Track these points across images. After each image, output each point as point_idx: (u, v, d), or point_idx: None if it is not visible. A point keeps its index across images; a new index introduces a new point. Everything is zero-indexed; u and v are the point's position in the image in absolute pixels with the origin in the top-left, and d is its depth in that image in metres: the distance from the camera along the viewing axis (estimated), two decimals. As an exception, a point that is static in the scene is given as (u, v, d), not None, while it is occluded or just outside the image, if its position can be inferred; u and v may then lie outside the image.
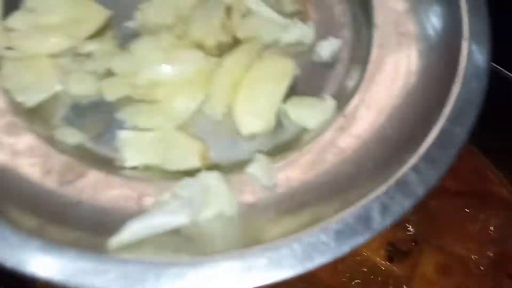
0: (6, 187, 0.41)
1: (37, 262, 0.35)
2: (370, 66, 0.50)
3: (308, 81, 0.51)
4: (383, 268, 0.77)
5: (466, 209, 0.89)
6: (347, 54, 0.53)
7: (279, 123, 0.49)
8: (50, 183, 0.42)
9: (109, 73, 0.48)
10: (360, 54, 0.52)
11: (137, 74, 0.46)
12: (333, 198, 0.42)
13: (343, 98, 0.49)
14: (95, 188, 0.42)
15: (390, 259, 0.78)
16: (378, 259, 0.78)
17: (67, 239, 0.37)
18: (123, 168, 0.44)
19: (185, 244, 0.39)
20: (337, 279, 0.75)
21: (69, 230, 0.39)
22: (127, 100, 0.47)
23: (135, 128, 0.45)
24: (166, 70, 0.45)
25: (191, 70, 0.46)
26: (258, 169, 0.43)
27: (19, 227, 0.36)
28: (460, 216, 0.88)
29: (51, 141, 0.44)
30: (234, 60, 0.46)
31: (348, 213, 0.38)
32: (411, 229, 0.84)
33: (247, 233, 0.40)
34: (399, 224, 0.85)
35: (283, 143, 0.48)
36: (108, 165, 0.44)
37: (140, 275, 0.34)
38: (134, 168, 0.44)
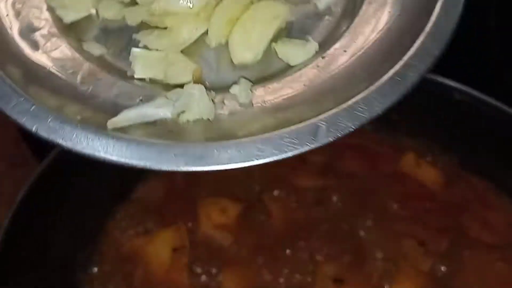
0: (41, 79, 0.53)
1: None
2: (357, 20, 0.57)
3: (299, 27, 0.60)
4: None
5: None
6: (341, 8, 0.60)
7: (267, 59, 0.57)
8: (74, 80, 0.53)
9: (133, 3, 0.58)
10: (351, 8, 0.59)
11: (153, 3, 0.56)
12: (295, 119, 0.50)
13: (327, 44, 0.57)
14: (109, 88, 0.53)
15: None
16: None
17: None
18: (133, 78, 0.55)
19: (168, 134, 0.49)
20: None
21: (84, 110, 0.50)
22: (145, 26, 0.58)
23: (146, 47, 0.56)
24: (176, 1, 0.55)
25: (198, 4, 0.56)
26: (238, 89, 0.52)
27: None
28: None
29: (80, 51, 0.56)
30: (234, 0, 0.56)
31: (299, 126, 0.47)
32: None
33: (221, 133, 0.50)
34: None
35: (267, 75, 0.56)
36: (122, 74, 0.55)
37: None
38: (141, 79, 0.55)
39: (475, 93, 1.05)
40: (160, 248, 0.97)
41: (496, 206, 1.06)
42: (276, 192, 1.06)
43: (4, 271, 0.82)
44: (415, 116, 1.16)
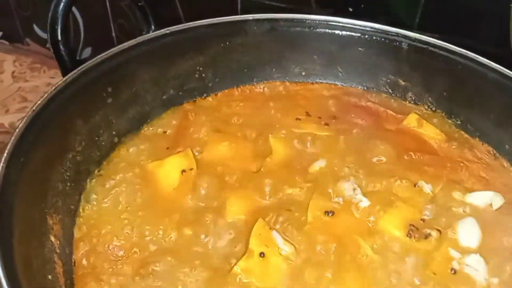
0: None
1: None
2: None
3: None
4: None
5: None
6: None
7: None
8: None
9: None
10: None
11: None
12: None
13: None
14: None
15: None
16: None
17: None
18: None
19: None
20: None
21: None
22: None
23: None
24: None
25: None
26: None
27: None
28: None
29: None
30: None
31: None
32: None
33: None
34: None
35: None
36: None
37: None
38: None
39: (480, 58, 1.12)
40: (170, 170, 1.04)
41: (493, 167, 1.12)
42: (280, 134, 1.14)
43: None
44: (421, 81, 1.24)
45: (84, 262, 0.89)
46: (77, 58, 1.27)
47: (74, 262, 0.88)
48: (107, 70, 1.05)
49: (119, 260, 0.89)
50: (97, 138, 1.07)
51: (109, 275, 0.87)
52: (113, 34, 1.79)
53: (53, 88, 0.95)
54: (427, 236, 0.92)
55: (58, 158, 0.95)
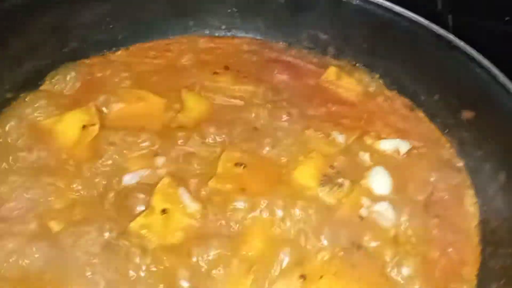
0: None
1: None
2: None
3: None
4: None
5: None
6: None
7: None
8: None
9: None
10: None
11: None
12: None
13: None
14: None
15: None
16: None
17: None
18: None
19: None
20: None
21: None
22: None
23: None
24: None
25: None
26: None
27: None
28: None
29: None
30: None
31: None
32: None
33: None
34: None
35: None
36: None
37: None
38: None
39: (396, 8, 1.10)
40: (69, 125, 0.96)
41: (409, 118, 1.11)
42: (194, 89, 1.08)
43: None
44: (341, 35, 1.22)
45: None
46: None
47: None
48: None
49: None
50: (-16, 93, 0.96)
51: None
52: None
53: None
54: (339, 186, 0.91)
55: None
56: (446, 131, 1.05)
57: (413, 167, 0.97)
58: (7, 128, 0.96)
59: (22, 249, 0.78)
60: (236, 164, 0.92)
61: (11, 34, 1.00)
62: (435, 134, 1.06)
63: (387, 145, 0.99)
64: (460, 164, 0.99)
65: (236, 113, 1.05)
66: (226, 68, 1.16)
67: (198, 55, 1.21)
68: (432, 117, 1.09)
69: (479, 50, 0.98)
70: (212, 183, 0.89)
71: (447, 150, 1.02)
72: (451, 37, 1.02)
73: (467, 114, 1.00)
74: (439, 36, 1.04)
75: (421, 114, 1.11)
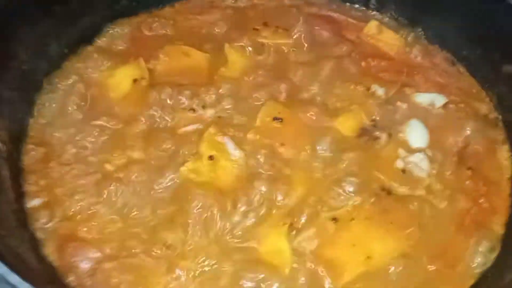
0: None
1: None
2: None
3: None
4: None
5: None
6: None
7: None
8: None
9: None
10: None
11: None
12: None
13: None
14: None
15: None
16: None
17: None
18: None
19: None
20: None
21: None
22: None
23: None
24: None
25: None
26: None
27: None
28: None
29: None
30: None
31: None
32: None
33: None
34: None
35: None
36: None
37: None
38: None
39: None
40: (121, 79, 1.04)
41: (450, 73, 1.12)
42: (236, 44, 1.12)
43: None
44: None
45: (34, 167, 0.90)
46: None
47: (23, 167, 0.90)
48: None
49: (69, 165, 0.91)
50: (45, 48, 1.05)
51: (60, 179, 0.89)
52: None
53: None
54: (376, 138, 0.95)
55: (1, 65, 0.94)
56: (486, 86, 1.06)
57: (450, 120, 0.99)
58: (66, 81, 1.04)
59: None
60: (274, 119, 0.97)
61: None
62: (474, 89, 1.07)
63: (424, 98, 1.01)
64: (497, 118, 1.00)
65: (276, 68, 1.09)
66: (265, 24, 1.19)
67: (240, 12, 1.24)
68: (472, 71, 1.09)
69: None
70: (250, 135, 0.95)
71: (486, 104, 1.04)
72: (495, -11, 1.01)
73: (508, 68, 1.00)
74: (484, -11, 1.03)
75: (462, 68, 1.12)
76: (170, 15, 1.22)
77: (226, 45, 1.11)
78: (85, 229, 0.83)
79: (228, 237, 0.84)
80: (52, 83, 1.04)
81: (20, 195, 0.85)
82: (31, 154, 0.91)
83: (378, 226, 0.83)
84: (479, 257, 0.81)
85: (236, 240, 0.83)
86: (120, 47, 1.14)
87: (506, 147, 0.96)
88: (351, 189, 0.87)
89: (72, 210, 0.85)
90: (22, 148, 0.92)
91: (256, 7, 1.27)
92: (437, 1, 1.14)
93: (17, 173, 0.88)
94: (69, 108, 1.00)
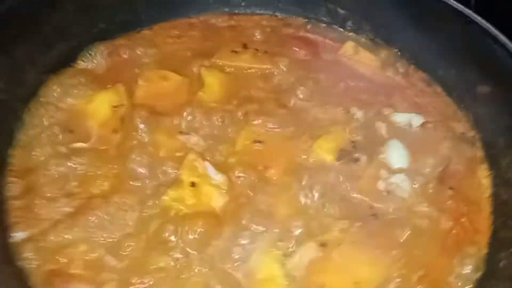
0: None
1: None
2: None
3: None
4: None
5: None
6: None
7: None
8: None
9: None
10: None
11: None
12: None
13: None
14: None
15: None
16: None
17: None
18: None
19: None
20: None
21: None
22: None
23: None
24: None
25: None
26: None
27: None
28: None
29: None
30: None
31: None
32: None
33: None
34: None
35: None
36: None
37: None
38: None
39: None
40: (99, 105, 1.02)
41: (426, 93, 1.14)
42: (214, 67, 1.12)
43: None
44: (359, 9, 1.23)
45: (17, 200, 0.88)
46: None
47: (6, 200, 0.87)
48: (21, 1, 0.99)
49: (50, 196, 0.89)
50: (21, 75, 1.03)
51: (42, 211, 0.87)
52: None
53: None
54: (356, 160, 0.95)
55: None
56: (462, 105, 1.08)
57: (428, 140, 1.01)
58: (43, 108, 1.02)
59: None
60: (255, 141, 0.97)
61: (41, 17, 1.04)
62: (451, 108, 1.09)
63: (402, 118, 1.03)
64: (475, 137, 1.03)
65: (255, 90, 1.10)
66: (245, 46, 1.20)
67: (219, 33, 1.25)
68: (449, 91, 1.12)
69: (501, 24, 1.00)
70: (232, 159, 0.95)
71: (463, 124, 1.06)
72: (468, 12, 1.04)
73: (483, 89, 1.02)
74: (456, 11, 1.05)
75: (438, 88, 1.14)
76: (149, 38, 1.22)
77: (202, 69, 1.11)
78: (71, 263, 0.81)
79: (220, 264, 0.83)
80: (30, 111, 1.02)
81: (4, 229, 0.82)
82: (12, 186, 0.89)
83: (365, 251, 0.83)
84: (463, 277, 0.82)
85: (228, 266, 0.82)
86: (99, 71, 1.12)
87: (484, 165, 0.98)
88: (337, 213, 0.87)
89: (56, 242, 0.82)
90: (3, 179, 0.90)
91: (235, 28, 1.28)
92: (411, 22, 1.16)
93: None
94: (48, 136, 0.98)
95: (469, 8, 1.05)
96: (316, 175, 0.93)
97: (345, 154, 0.96)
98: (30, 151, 0.95)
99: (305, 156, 0.97)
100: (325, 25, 1.28)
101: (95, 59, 1.14)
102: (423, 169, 0.95)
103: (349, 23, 1.26)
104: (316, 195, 0.89)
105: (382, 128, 1.03)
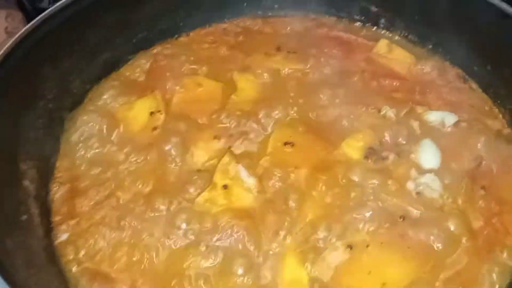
0: None
1: None
2: None
3: None
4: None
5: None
6: None
7: None
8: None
9: None
10: None
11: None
12: None
13: None
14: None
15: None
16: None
17: None
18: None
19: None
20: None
21: None
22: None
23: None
24: None
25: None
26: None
27: None
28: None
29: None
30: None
31: None
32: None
33: None
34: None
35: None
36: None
37: None
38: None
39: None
40: (138, 112, 1.08)
41: (462, 90, 1.12)
42: (247, 71, 1.15)
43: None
44: (392, 6, 1.23)
45: (61, 204, 0.95)
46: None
47: (51, 204, 0.94)
48: (70, 16, 1.06)
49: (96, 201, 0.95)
50: (68, 85, 1.10)
51: (86, 214, 0.93)
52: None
53: (15, 38, 0.97)
54: (384, 159, 0.95)
55: (28, 105, 1.00)
56: (498, 102, 1.06)
57: (462, 138, 0.99)
58: (88, 116, 1.09)
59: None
60: (285, 144, 0.99)
61: (88, 29, 1.11)
62: (487, 105, 1.07)
63: (435, 117, 1.02)
64: (510, 135, 1.00)
65: (287, 92, 1.11)
66: (278, 49, 1.22)
67: (252, 37, 1.28)
68: (484, 87, 1.09)
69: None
70: (263, 162, 0.97)
71: (499, 121, 1.04)
72: (504, 6, 1.01)
73: (519, 85, 1.00)
74: (491, 5, 1.03)
75: (473, 85, 1.12)
76: (185, 44, 1.26)
77: (235, 73, 1.14)
78: (113, 265, 0.86)
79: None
80: (75, 118, 1.09)
81: (49, 232, 0.90)
82: (58, 191, 0.96)
83: (394, 252, 0.83)
84: (494, 280, 0.81)
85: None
86: (139, 79, 1.18)
87: (519, 164, 0.96)
88: (365, 214, 0.88)
89: (97, 245, 0.88)
90: (50, 185, 0.97)
91: (268, 30, 1.30)
92: (445, 18, 1.14)
93: (46, 210, 0.93)
94: (92, 143, 1.05)
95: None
96: (344, 175, 0.94)
97: (373, 153, 0.96)
98: (74, 157, 1.02)
99: (334, 156, 0.97)
100: (358, 23, 1.29)
101: (135, 67, 1.20)
102: (455, 169, 0.93)
103: (382, 20, 1.25)
104: (344, 195, 0.91)
105: (414, 126, 1.02)
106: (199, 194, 0.93)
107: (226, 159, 0.97)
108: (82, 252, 0.87)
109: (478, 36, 1.09)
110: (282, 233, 0.87)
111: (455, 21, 1.13)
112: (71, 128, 1.07)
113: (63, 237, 0.89)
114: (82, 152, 1.03)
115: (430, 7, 1.16)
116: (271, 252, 0.86)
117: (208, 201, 0.92)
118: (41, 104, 1.02)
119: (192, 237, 0.89)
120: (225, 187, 0.93)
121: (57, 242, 0.88)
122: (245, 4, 1.32)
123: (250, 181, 0.94)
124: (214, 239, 0.88)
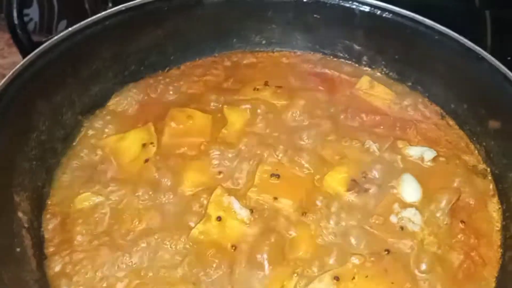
0: None
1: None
2: None
3: None
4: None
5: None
6: None
7: None
8: None
9: None
10: None
11: None
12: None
13: None
14: None
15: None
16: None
17: None
18: None
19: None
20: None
21: None
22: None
23: None
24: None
25: None
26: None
27: None
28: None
29: None
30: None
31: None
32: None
33: None
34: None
35: None
36: None
37: None
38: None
39: (427, 21, 1.16)
40: (131, 143, 1.10)
41: (440, 126, 1.18)
42: (236, 105, 1.19)
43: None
44: (374, 46, 1.29)
45: (54, 235, 0.96)
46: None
47: (44, 235, 0.95)
48: (64, 51, 1.08)
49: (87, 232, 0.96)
50: (60, 117, 1.11)
51: (79, 246, 0.94)
52: (86, 6, 1.80)
53: (11, 73, 0.98)
54: (366, 190, 0.99)
55: (22, 138, 1.01)
56: (474, 139, 1.12)
57: (440, 173, 1.04)
58: (79, 147, 1.11)
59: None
60: (272, 175, 1.03)
61: (81, 63, 1.13)
62: (463, 141, 1.13)
63: (415, 152, 1.07)
64: (486, 170, 1.06)
65: (274, 127, 1.15)
66: (266, 83, 1.26)
67: (241, 71, 1.32)
68: (461, 124, 1.15)
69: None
70: (250, 193, 1.00)
71: (475, 157, 1.09)
72: (478, 49, 1.08)
73: (493, 124, 1.06)
74: (467, 49, 1.09)
75: (451, 121, 1.18)
76: (176, 77, 1.30)
77: (225, 107, 1.18)
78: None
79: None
80: (67, 150, 1.10)
81: (42, 264, 0.90)
82: (51, 222, 0.97)
83: (378, 285, 0.86)
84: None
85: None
86: (130, 111, 1.20)
87: (495, 199, 1.01)
88: (350, 247, 0.91)
89: (92, 276, 0.89)
90: (42, 216, 0.98)
91: (256, 65, 1.35)
92: (423, 59, 1.21)
93: (38, 242, 0.93)
94: (83, 174, 1.06)
95: (485, 49, 1.08)
96: (329, 207, 0.97)
97: (355, 185, 1.00)
98: (67, 188, 1.03)
99: (319, 188, 1.01)
100: (341, 60, 1.34)
101: (126, 99, 1.22)
102: (435, 203, 0.98)
103: (365, 58, 1.31)
104: (329, 228, 0.94)
105: (395, 161, 1.07)
106: (194, 225, 0.95)
107: (218, 191, 1.00)
108: (77, 285, 0.87)
109: (455, 76, 1.15)
110: (270, 263, 0.89)
111: (433, 61, 1.19)
112: (63, 160, 1.09)
113: (57, 269, 0.89)
114: (74, 184, 1.04)
115: (409, 47, 1.23)
116: (258, 283, 0.88)
117: (202, 233, 0.94)
118: (34, 136, 1.03)
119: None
120: (219, 218, 0.96)
121: (50, 273, 0.89)
122: (234, 40, 1.36)
123: (243, 213, 0.97)
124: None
